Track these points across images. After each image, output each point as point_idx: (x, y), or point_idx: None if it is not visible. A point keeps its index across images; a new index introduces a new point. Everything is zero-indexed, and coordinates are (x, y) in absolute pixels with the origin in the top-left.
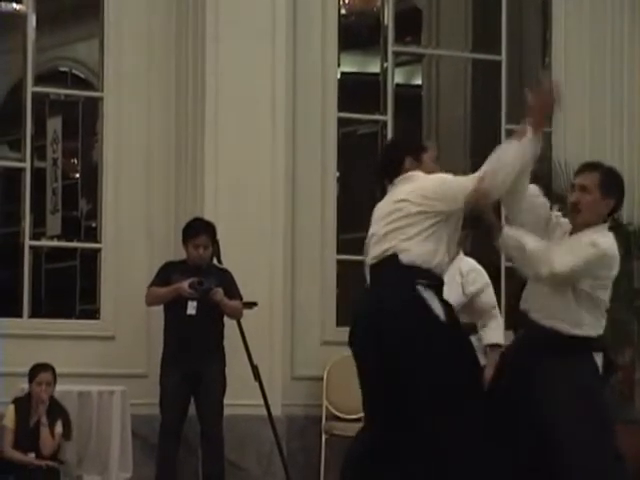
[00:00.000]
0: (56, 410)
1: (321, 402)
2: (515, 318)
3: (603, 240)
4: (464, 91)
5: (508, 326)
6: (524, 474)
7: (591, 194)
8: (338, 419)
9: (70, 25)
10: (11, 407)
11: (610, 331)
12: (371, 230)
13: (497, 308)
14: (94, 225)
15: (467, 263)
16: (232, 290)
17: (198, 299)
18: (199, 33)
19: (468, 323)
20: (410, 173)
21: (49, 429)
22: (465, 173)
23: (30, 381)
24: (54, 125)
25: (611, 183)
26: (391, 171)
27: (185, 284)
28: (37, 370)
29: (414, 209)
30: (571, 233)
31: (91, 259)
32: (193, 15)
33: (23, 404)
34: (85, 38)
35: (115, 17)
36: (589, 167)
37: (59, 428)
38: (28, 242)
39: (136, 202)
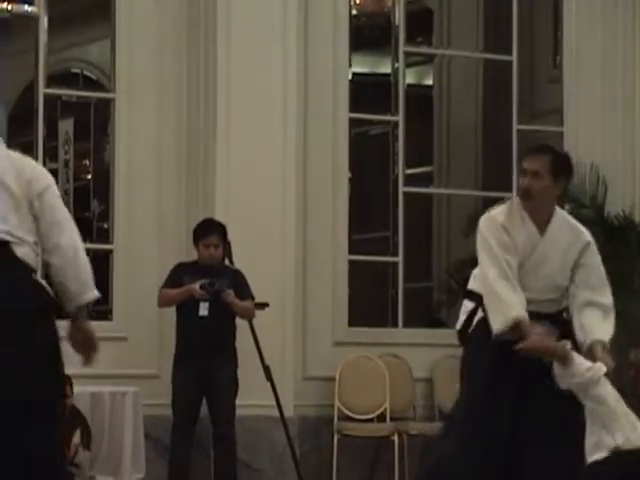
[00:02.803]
0: (75, 418)
1: (333, 402)
2: None
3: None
4: (475, 91)
5: None
6: None
7: (542, 179)
8: (350, 419)
9: (82, 27)
10: None
11: (622, 329)
12: None
13: None
14: (106, 226)
15: None
16: (244, 291)
17: (210, 300)
18: (210, 33)
19: None
20: None
21: (66, 439)
22: (476, 173)
23: None
24: (66, 127)
25: (561, 166)
26: None
27: (196, 285)
28: None
29: None
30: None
31: (103, 260)
32: (204, 16)
33: None
34: (97, 39)
35: (126, 18)
36: (538, 151)
37: (77, 439)
38: None
39: (148, 203)
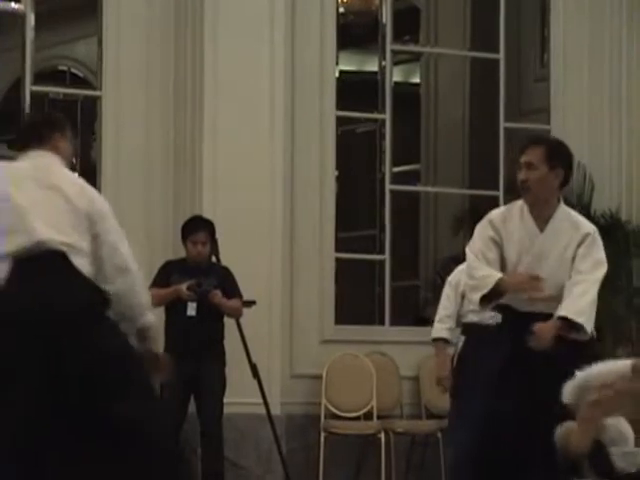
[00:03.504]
0: None
1: (320, 400)
2: None
3: (587, 225)
4: (462, 89)
5: None
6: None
7: (538, 169)
8: (337, 417)
9: (69, 24)
10: None
11: (609, 328)
12: None
13: None
14: None
15: None
16: (232, 289)
17: (197, 300)
18: (197, 31)
19: None
20: None
21: None
22: (463, 171)
23: None
24: None
25: (556, 154)
26: None
27: (183, 286)
28: None
29: None
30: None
31: None
32: (192, 14)
33: None
34: (84, 37)
35: (114, 16)
36: (532, 143)
37: None
38: None
39: (135, 201)
